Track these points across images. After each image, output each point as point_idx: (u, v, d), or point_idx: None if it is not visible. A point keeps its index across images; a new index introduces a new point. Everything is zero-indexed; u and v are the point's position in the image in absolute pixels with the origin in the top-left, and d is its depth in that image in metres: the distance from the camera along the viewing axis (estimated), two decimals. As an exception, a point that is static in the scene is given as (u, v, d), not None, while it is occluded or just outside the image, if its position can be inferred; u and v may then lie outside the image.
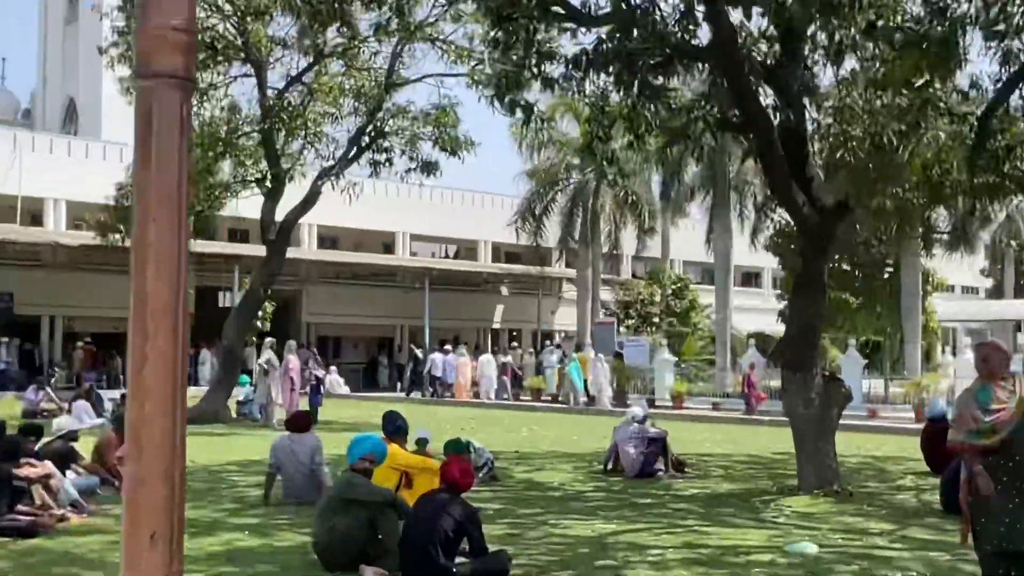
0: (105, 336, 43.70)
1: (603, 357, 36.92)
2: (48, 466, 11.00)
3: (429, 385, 40.27)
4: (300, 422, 12.61)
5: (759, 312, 55.30)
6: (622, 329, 45.59)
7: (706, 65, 13.17)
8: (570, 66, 13.66)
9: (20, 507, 10.26)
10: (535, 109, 14.40)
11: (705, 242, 51.57)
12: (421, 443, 12.50)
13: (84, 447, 13.49)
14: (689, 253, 61.31)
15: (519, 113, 14.23)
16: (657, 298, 50.54)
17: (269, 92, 25.28)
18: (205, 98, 25.92)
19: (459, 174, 54.24)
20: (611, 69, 13.49)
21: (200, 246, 37.40)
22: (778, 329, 52.95)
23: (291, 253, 40.38)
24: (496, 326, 58.64)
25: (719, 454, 19.25)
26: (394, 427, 11.46)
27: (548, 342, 49.03)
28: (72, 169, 44.08)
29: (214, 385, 27.26)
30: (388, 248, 56.32)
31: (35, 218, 44.44)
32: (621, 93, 14.19)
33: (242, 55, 24.87)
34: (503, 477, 14.83)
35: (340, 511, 8.42)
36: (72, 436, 13.12)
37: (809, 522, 11.52)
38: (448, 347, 41.80)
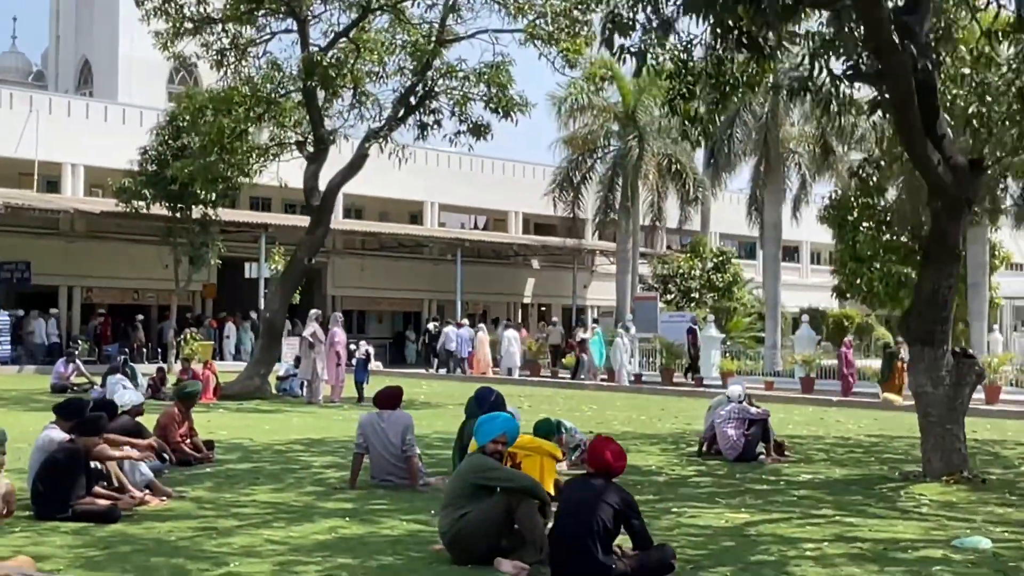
0: (124, 307, 43.23)
1: (623, 333, 37.13)
2: (125, 446, 10.40)
3: (445, 360, 40.29)
4: (391, 398, 11.77)
5: (799, 288, 54.80)
6: (661, 305, 44.82)
7: (837, 9, 12.32)
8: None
9: (97, 489, 9.64)
10: (648, 57, 13.50)
11: (747, 214, 51.13)
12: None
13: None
14: (728, 226, 60.89)
15: (629, 61, 13.41)
16: (697, 272, 49.81)
17: (312, 49, 24.48)
18: (244, 55, 25.36)
19: (489, 142, 53.72)
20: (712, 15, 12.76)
21: (226, 215, 36.75)
22: (831, 305, 52.96)
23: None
24: (527, 300, 58.32)
25: (808, 436, 18.65)
26: (490, 404, 10.94)
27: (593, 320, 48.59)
28: (91, 133, 43.52)
29: (255, 360, 26.58)
30: (415, 219, 55.97)
31: (51, 184, 43.90)
32: (719, 43, 13.51)
33: (283, 7, 24.15)
34: (588, 459, 14.00)
35: (472, 498, 7.71)
36: (138, 411, 12.48)
37: (956, 512, 10.86)
38: (464, 321, 41.81)
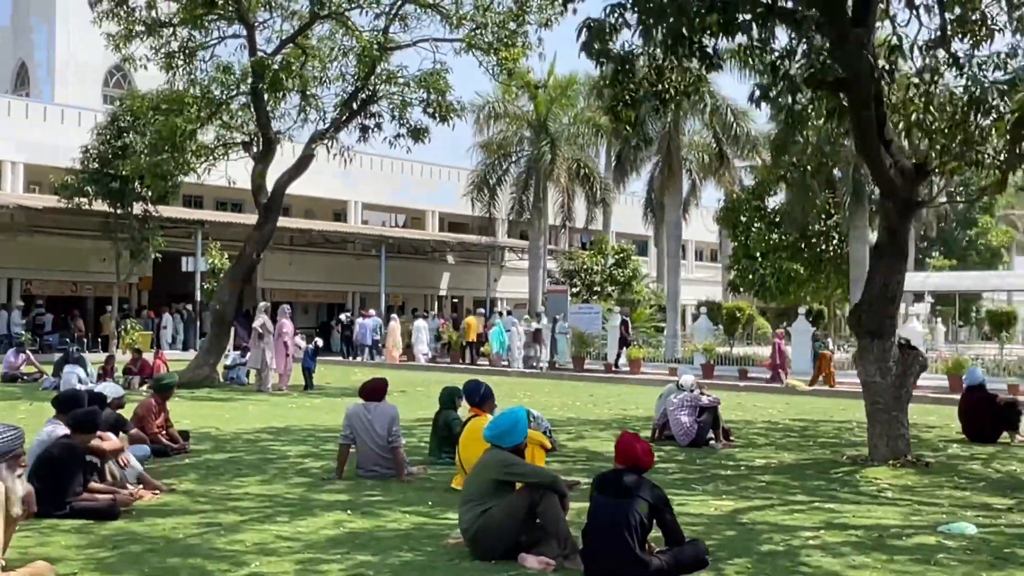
0: (63, 299, 41.97)
1: (515, 322, 37.94)
2: (113, 439, 9.50)
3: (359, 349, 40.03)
4: (376, 391, 11.00)
5: (688, 283, 55.21)
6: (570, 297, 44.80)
7: (803, 18, 11.94)
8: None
9: (93, 484, 8.83)
10: (625, 62, 13.02)
11: (644, 215, 51.71)
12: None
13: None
14: (625, 226, 61.57)
15: (606, 66, 12.98)
16: (599, 267, 49.88)
17: (260, 53, 23.47)
18: (192, 58, 24.31)
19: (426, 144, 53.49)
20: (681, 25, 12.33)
21: (165, 211, 35.65)
22: (720, 298, 53.77)
23: (244, 219, 39.13)
24: (442, 293, 58.10)
25: (739, 420, 18.29)
26: (480, 396, 10.58)
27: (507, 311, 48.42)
28: (30, 131, 41.80)
29: (204, 349, 25.56)
30: (339, 216, 55.19)
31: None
32: (670, 53, 13.10)
33: (233, 13, 23.16)
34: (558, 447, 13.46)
35: (494, 494, 7.10)
36: (119, 403, 11.52)
37: (921, 496, 10.60)
38: (371, 311, 41.36)
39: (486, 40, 22.44)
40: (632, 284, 50.55)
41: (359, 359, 39.50)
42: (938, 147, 13.10)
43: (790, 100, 12.90)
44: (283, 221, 46.94)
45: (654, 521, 6.43)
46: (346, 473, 10.80)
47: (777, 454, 14.06)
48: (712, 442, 14.14)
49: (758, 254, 40.59)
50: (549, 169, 44.87)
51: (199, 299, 37.72)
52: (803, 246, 39.55)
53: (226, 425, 15.75)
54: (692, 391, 14.46)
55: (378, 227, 55.25)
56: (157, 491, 9.54)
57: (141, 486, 9.47)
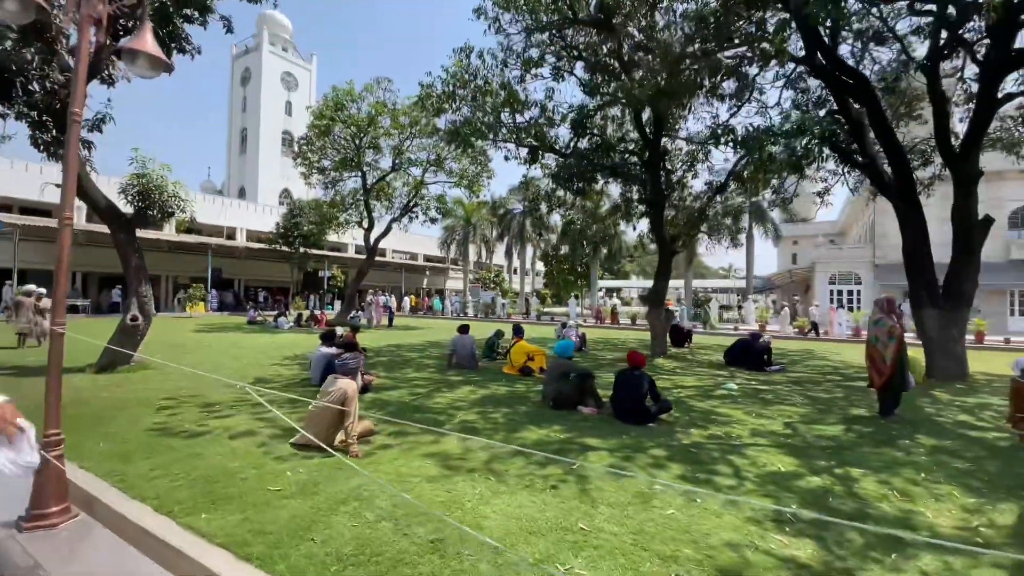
0: (269, 289, 37.54)
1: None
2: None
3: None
4: (464, 328, 9.75)
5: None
6: (480, 288, 43.21)
7: (635, 175, 11.30)
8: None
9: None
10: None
11: (508, 263, 50.15)
12: (518, 332, 9.59)
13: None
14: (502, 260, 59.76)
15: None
16: (490, 278, 48.62)
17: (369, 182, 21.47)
18: (336, 184, 22.01)
19: (436, 225, 50.18)
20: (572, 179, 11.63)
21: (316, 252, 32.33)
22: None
23: (345, 255, 36.16)
24: (423, 285, 55.03)
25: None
26: (519, 332, 9.51)
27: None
28: (248, 217, 37.37)
29: (342, 310, 22.79)
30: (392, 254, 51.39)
31: (230, 235, 37.33)
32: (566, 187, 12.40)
33: (355, 167, 21.08)
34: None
35: (560, 379, 6.31)
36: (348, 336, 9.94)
37: (698, 372, 9.57)
38: (387, 294, 37.99)
39: (465, 182, 21.10)
40: (501, 284, 49.61)
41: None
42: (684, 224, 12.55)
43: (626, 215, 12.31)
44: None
45: (648, 388, 5.80)
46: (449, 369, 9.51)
47: (613, 352, 12.44)
48: (583, 348, 12.93)
49: (555, 272, 40.38)
50: (468, 240, 43.52)
51: (325, 289, 34.66)
52: (577, 269, 39.45)
53: (369, 343, 13.84)
54: (567, 326, 13.63)
55: (400, 259, 51.61)
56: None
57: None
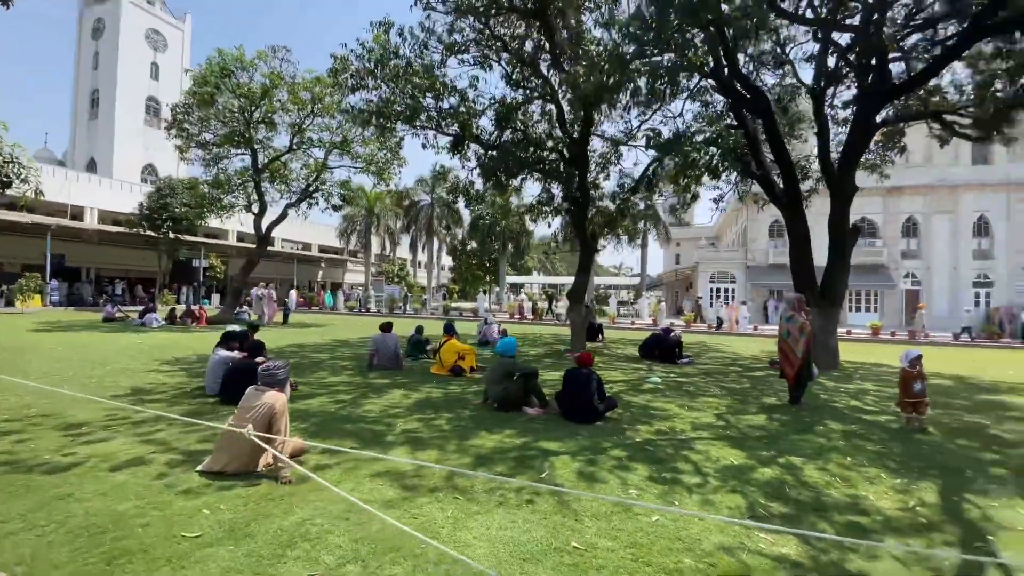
0: (127, 279, 32.38)
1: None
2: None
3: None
4: (388, 326, 9.09)
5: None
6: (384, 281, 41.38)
7: (564, 173, 11.30)
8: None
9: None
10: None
11: (413, 255, 48.82)
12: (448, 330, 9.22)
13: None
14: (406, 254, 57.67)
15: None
16: (396, 269, 46.83)
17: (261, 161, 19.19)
18: (219, 160, 19.43)
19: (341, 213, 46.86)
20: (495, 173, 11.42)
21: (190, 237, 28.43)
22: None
23: (226, 243, 32.47)
24: (319, 279, 51.29)
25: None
26: (451, 329, 9.00)
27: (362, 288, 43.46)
28: (101, 194, 31.75)
29: (227, 305, 20.13)
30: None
31: (76, 216, 31.40)
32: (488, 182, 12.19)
33: (244, 143, 18.74)
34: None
35: (504, 379, 6.04)
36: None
37: (621, 367, 9.84)
38: (270, 287, 35.30)
39: (373, 168, 19.73)
40: (406, 278, 48.04)
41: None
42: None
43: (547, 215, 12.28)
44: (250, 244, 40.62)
45: (597, 387, 5.74)
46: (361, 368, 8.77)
47: (534, 348, 12.48)
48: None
49: (463, 267, 39.94)
50: (370, 230, 41.40)
51: (201, 280, 30.65)
52: (486, 264, 39.41)
53: (267, 344, 12.38)
54: (489, 323, 13.46)
55: (293, 249, 47.43)
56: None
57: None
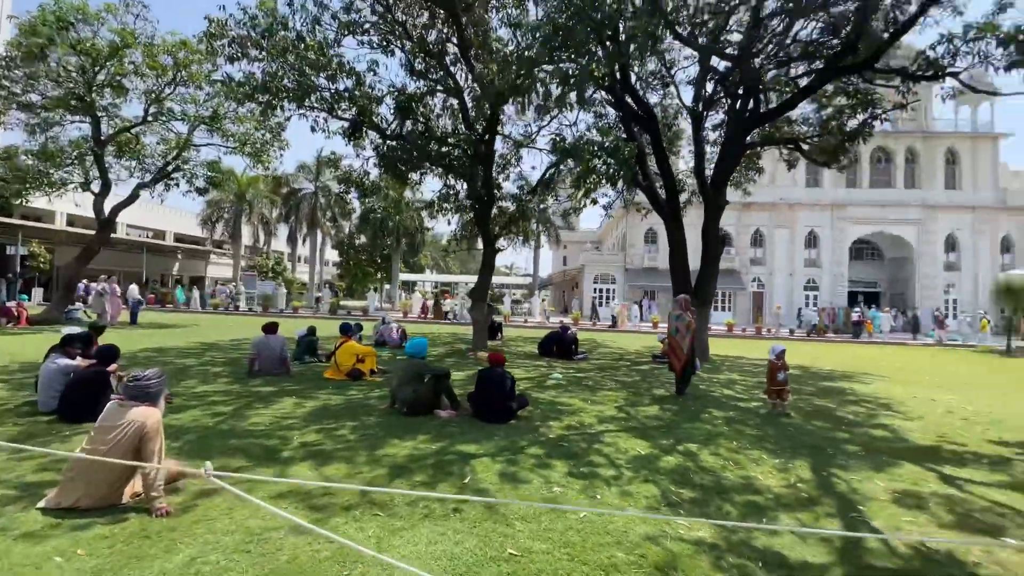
0: None
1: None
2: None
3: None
4: (273, 326, 8.20)
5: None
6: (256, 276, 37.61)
7: (467, 171, 11.10)
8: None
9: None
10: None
11: (292, 244, 45.16)
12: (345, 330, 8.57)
13: None
14: (281, 247, 53.06)
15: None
16: (271, 263, 42.88)
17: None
18: (52, 127, 16.14)
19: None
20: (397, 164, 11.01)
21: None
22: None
23: (52, 226, 27.17)
24: (176, 276, 45.11)
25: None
26: (348, 329, 8.39)
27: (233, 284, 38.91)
28: None
29: (57, 301, 16.60)
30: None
31: None
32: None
33: (81, 109, 15.70)
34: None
35: (416, 381, 5.79)
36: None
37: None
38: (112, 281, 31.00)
39: (248, 149, 17.69)
40: (283, 273, 44.21)
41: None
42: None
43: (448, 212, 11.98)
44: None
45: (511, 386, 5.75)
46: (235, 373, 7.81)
47: (435, 347, 11.89)
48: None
49: (351, 263, 37.80)
50: (240, 218, 37.36)
51: (17, 272, 25.17)
52: (377, 260, 37.68)
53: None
54: (387, 323, 12.89)
55: (142, 237, 40.93)
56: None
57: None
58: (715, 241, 12.15)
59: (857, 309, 26.84)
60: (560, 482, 3.87)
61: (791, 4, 8.69)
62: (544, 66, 7.59)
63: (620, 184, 11.19)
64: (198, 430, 4.84)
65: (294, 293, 34.44)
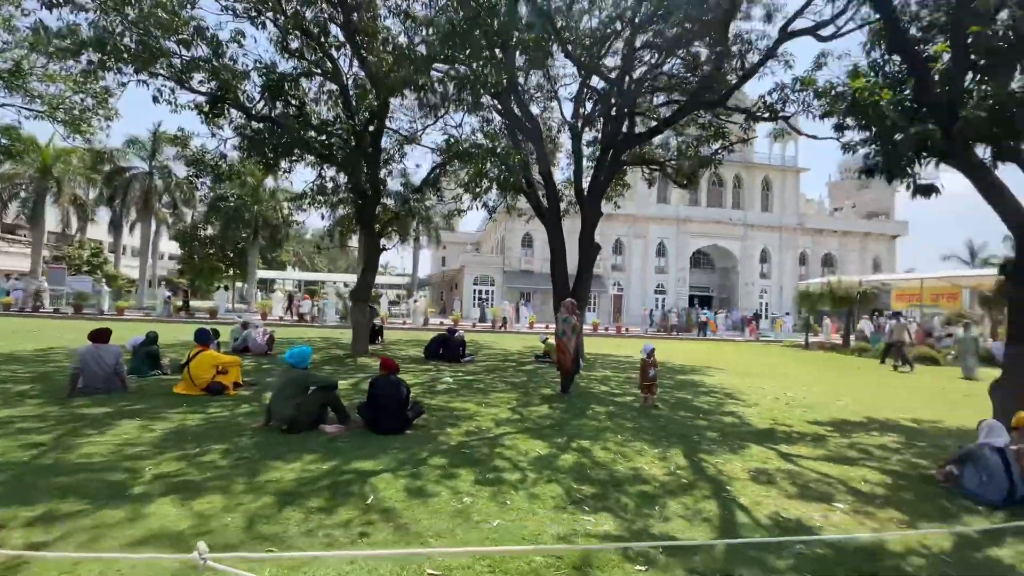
0: None
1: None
2: None
3: None
4: (103, 335, 6.79)
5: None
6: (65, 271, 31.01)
7: (347, 162, 10.39)
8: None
9: None
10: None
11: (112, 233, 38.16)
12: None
13: None
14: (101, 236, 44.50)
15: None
16: (86, 255, 35.59)
17: None
18: None
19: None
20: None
21: None
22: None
23: None
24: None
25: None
26: (206, 337, 7.28)
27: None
28: None
29: None
30: None
31: None
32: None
33: None
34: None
35: (299, 394, 5.30)
36: None
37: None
38: None
39: (61, 115, 14.46)
40: (103, 267, 37.06)
41: None
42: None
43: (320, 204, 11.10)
44: None
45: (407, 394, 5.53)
46: (70, 391, 6.36)
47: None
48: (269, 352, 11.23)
49: (196, 257, 32.94)
50: (56, 197, 30.51)
51: None
52: (229, 255, 33.26)
53: None
54: (252, 326, 11.59)
55: None
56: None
57: None
58: (591, 248, 13.08)
59: (705, 310, 31.05)
60: (469, 491, 3.82)
61: (659, 40, 9.75)
62: (440, 65, 7.46)
63: (508, 189, 11.47)
64: (9, 467, 3.83)
65: (115, 290, 29.06)
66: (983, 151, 5.32)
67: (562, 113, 13.08)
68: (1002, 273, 5.75)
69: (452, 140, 8.91)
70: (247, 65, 9.82)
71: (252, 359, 10.14)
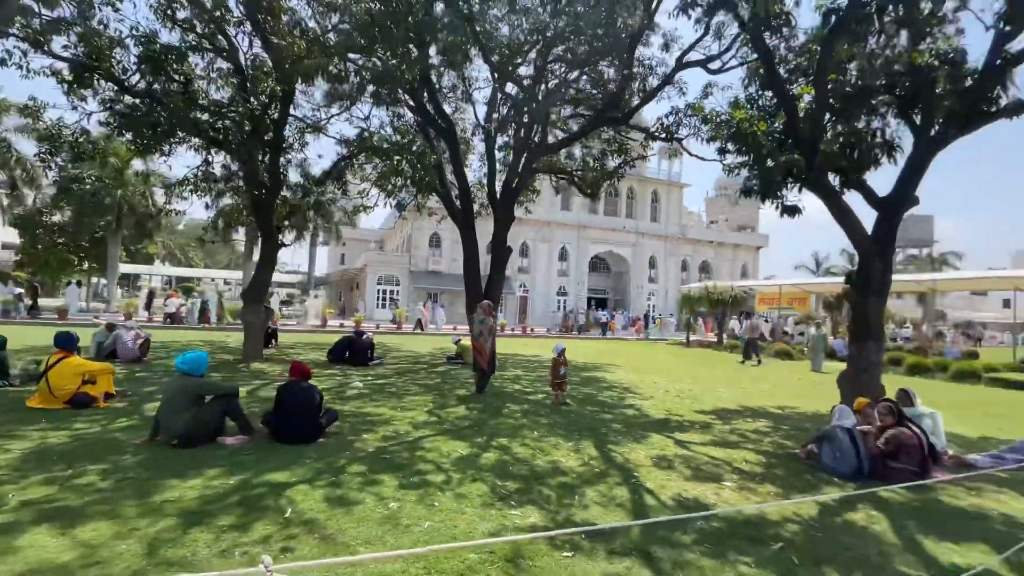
0: None
1: None
2: None
3: None
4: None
5: None
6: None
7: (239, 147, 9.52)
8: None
9: None
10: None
11: None
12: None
13: None
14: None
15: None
16: None
17: None
18: None
19: None
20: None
21: None
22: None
23: None
24: None
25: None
26: (69, 341, 6.34)
27: None
28: None
29: None
30: None
31: None
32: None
33: None
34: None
35: (193, 404, 4.84)
36: None
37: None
38: None
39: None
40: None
41: None
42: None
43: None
44: None
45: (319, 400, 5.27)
46: None
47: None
48: (143, 358, 9.91)
49: (40, 246, 27.86)
50: None
51: None
52: (83, 245, 28.56)
53: None
54: (124, 327, 10.15)
55: None
56: None
57: None
58: (503, 250, 13.33)
59: (605, 312, 32.95)
60: (395, 496, 3.77)
61: (570, 56, 10.27)
62: (354, 55, 7.18)
63: (423, 189, 11.30)
64: None
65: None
66: (833, 179, 6.40)
67: (476, 115, 13.20)
68: (847, 283, 6.92)
69: (365, 133, 8.60)
70: (120, 32, 8.66)
71: (123, 366, 8.93)
